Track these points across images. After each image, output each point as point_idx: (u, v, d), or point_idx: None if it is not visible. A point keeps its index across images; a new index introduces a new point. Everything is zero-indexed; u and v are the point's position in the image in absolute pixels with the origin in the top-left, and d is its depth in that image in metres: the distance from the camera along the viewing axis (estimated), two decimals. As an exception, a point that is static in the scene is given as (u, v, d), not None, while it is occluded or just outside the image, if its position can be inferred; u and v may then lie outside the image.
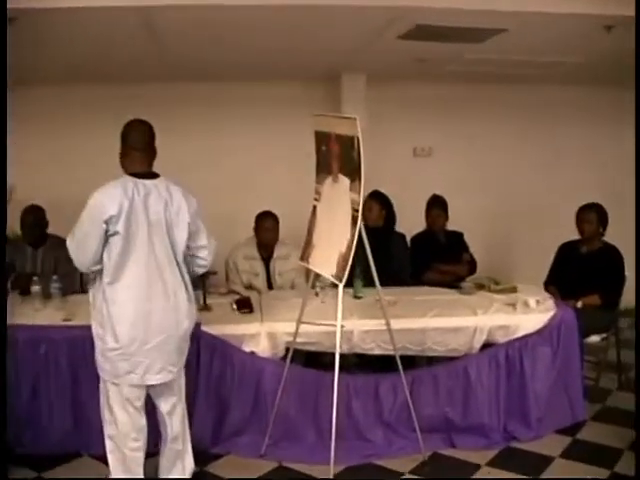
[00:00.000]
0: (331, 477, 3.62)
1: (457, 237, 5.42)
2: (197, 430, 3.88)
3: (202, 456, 3.86)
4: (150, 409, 3.54)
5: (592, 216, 4.84)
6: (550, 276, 5.11)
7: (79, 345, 3.93)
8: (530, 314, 4.32)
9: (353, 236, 3.43)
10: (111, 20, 3.86)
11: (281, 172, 5.99)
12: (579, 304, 4.58)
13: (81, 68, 5.17)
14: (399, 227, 5.25)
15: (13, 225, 5.01)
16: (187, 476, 3.62)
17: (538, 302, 4.39)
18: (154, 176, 3.37)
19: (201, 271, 3.61)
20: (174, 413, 3.55)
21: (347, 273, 3.45)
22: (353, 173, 3.43)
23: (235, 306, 4.37)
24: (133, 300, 3.26)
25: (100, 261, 3.26)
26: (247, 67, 5.32)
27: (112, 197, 3.19)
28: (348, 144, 3.43)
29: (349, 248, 3.45)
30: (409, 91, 5.70)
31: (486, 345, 4.28)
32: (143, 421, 3.45)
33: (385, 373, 4.25)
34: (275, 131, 5.95)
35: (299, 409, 4.18)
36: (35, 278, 4.43)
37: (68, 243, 3.32)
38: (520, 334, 4.25)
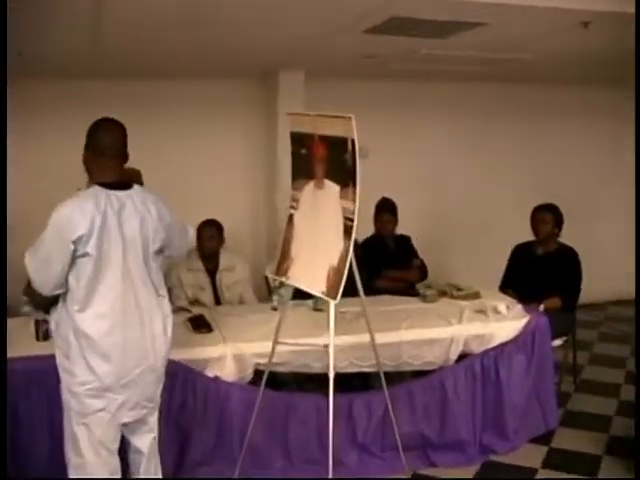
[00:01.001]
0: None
1: (405, 241, 5.20)
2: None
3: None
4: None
5: (548, 217, 4.75)
6: (505, 279, 4.99)
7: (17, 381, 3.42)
8: (504, 322, 4.15)
9: (348, 248, 3.12)
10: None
11: (220, 176, 5.54)
12: (541, 308, 4.45)
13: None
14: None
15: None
16: None
17: (508, 308, 4.24)
18: (127, 186, 2.91)
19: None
20: (152, 452, 3.12)
21: (342, 289, 3.13)
22: (345, 178, 3.12)
23: (190, 326, 3.93)
24: (106, 330, 2.80)
25: (65, 284, 2.80)
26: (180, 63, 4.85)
27: (82, 212, 2.71)
28: (338, 146, 3.11)
29: (343, 261, 3.13)
30: (348, 89, 5.41)
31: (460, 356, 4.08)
32: (117, 462, 2.99)
33: (358, 392, 3.97)
34: (209, 132, 5.50)
35: (267, 434, 3.82)
36: None
37: (27, 261, 2.82)
38: (495, 343, 4.08)
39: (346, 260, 3.11)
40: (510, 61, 4.84)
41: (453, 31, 3.89)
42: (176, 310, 4.26)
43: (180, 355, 3.62)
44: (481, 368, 4.04)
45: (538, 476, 3.85)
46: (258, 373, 3.73)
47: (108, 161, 2.86)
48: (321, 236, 3.26)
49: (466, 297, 4.46)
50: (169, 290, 4.49)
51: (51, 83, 5.03)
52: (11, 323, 3.88)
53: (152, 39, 4.04)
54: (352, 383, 4.05)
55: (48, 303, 2.99)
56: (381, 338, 3.84)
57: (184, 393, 3.66)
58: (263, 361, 3.71)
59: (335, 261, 3.17)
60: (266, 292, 5.01)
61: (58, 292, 2.82)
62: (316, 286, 3.26)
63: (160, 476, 3.19)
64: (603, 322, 6.53)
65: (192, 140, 5.50)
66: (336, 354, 3.80)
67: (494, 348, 4.07)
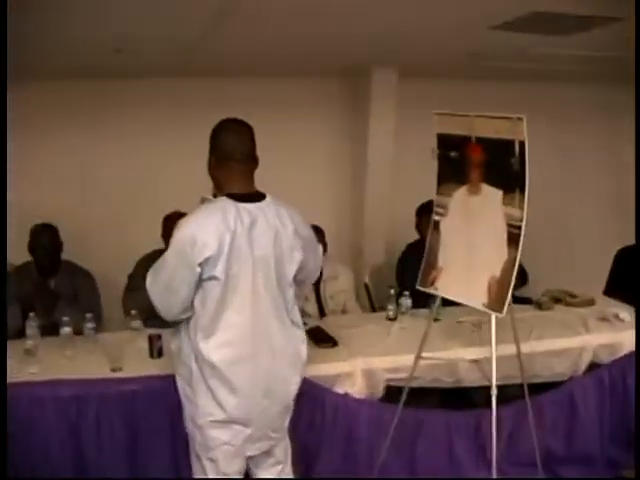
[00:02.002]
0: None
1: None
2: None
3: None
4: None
5: None
6: (611, 284, 4.81)
7: (134, 403, 3.26)
8: (630, 329, 3.96)
9: (514, 258, 2.92)
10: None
11: (300, 178, 5.29)
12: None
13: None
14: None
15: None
16: None
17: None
18: (260, 197, 2.63)
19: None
20: None
21: (509, 301, 2.94)
22: (510, 183, 2.93)
23: (311, 339, 3.72)
24: (232, 359, 2.56)
25: (191, 307, 2.56)
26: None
27: (210, 231, 2.45)
28: (501, 149, 2.92)
29: (508, 272, 2.95)
30: (439, 89, 5.19)
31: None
32: None
33: (485, 408, 3.77)
34: (287, 133, 5.24)
35: (394, 452, 3.62)
36: (66, 319, 3.58)
37: (148, 286, 2.60)
38: (623, 352, 3.90)
39: (512, 270, 2.92)
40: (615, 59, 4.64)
41: (586, 27, 3.69)
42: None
43: (307, 372, 3.42)
44: (609, 379, 3.86)
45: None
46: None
47: (237, 168, 2.60)
48: (478, 245, 3.07)
49: (582, 304, 4.28)
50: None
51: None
52: (118, 337, 3.69)
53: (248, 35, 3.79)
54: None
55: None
56: (510, 349, 3.68)
57: (312, 411, 3.46)
58: (394, 376, 3.54)
59: (497, 271, 2.98)
60: (365, 300, 4.81)
61: (184, 317, 2.59)
62: (474, 298, 3.07)
63: None
64: None
65: (269, 141, 5.24)
66: (467, 367, 3.67)
67: (622, 357, 3.89)
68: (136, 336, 3.70)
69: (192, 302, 2.54)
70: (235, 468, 2.71)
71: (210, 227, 2.45)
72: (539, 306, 4.28)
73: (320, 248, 2.99)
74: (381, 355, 3.59)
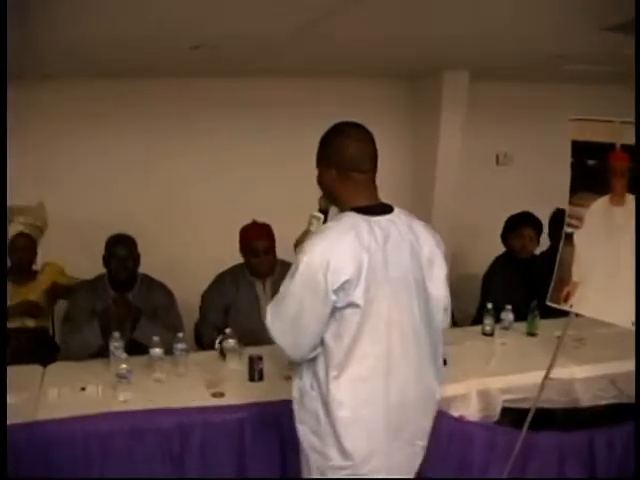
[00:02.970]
0: None
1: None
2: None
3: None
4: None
5: None
6: None
7: (242, 432, 3.01)
8: None
9: (669, 274, 2.73)
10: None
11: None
12: None
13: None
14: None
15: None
16: None
17: None
18: (389, 209, 2.29)
19: None
20: None
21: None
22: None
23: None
24: (366, 398, 2.23)
25: (320, 343, 2.22)
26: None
27: (344, 251, 2.11)
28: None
29: (662, 287, 2.74)
30: (508, 92, 5.02)
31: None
32: None
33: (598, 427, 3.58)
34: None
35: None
36: (157, 339, 3.32)
37: (269, 324, 2.22)
38: None
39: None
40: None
41: None
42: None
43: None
44: None
45: None
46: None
47: (362, 178, 2.26)
48: (625, 259, 2.86)
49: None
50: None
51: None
52: (209, 357, 3.46)
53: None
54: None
55: None
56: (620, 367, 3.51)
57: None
58: (510, 397, 3.34)
59: (653, 289, 2.78)
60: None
61: (312, 356, 2.24)
62: (620, 315, 2.86)
63: None
64: None
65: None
66: (583, 386, 3.49)
67: None
68: (230, 357, 3.44)
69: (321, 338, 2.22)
70: None
71: (344, 247, 2.12)
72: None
73: None
74: (495, 375, 3.39)
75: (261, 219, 3.95)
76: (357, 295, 2.12)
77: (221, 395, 3.14)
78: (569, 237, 3.08)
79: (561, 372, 3.39)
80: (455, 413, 3.28)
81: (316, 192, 4.69)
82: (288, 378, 3.26)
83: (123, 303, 3.58)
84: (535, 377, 3.32)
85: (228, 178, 4.77)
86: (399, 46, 3.99)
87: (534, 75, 4.89)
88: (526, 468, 3.45)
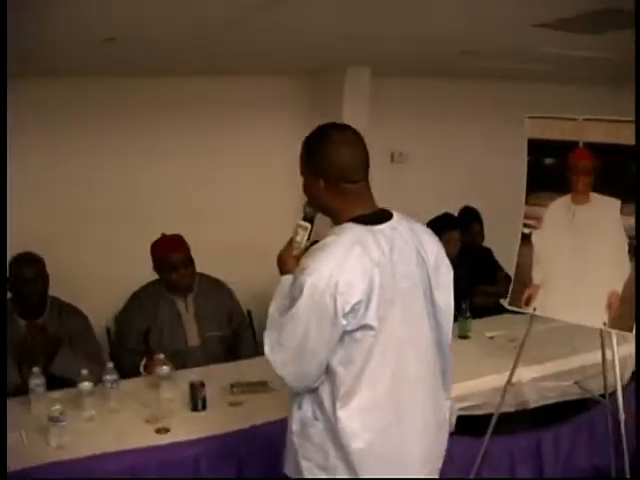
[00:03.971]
0: None
1: (488, 253, 4.85)
2: None
3: None
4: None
5: None
6: None
7: (196, 467, 2.70)
8: None
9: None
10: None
11: (257, 187, 4.77)
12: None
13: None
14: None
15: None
16: None
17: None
18: (388, 216, 2.05)
19: None
20: None
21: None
22: (630, 192, 2.71)
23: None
24: (381, 427, 1.98)
25: (325, 372, 1.98)
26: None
27: (353, 268, 1.88)
28: (621, 155, 2.70)
29: (634, 285, 2.72)
30: (406, 88, 4.91)
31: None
32: None
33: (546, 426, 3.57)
34: (243, 135, 4.70)
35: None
36: (85, 371, 2.92)
37: (268, 352, 1.98)
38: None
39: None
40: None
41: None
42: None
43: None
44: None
45: None
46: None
47: (356, 187, 2.01)
48: (592, 259, 2.82)
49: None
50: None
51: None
52: (137, 387, 3.12)
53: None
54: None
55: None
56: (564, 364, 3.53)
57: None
58: (461, 405, 3.24)
59: (618, 287, 2.75)
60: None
61: (317, 385, 2.00)
62: (591, 317, 2.82)
63: None
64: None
65: (221, 145, 4.69)
66: (527, 388, 3.46)
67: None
68: (165, 385, 3.10)
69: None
70: None
71: (352, 264, 1.87)
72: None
73: None
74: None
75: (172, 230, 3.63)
76: (370, 316, 1.89)
77: (166, 431, 2.79)
78: (527, 238, 3.00)
79: (524, 374, 3.37)
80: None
81: (217, 196, 4.45)
82: (232, 404, 3.04)
83: (38, 332, 3.13)
84: (481, 383, 3.30)
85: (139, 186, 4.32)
86: (298, 42, 3.76)
87: (440, 72, 4.84)
88: (481, 474, 3.37)
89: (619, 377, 2.86)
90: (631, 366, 3.45)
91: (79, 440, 2.67)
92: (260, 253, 4.51)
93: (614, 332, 2.78)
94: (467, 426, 3.39)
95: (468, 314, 3.85)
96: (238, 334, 3.83)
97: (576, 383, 3.31)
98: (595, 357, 3.49)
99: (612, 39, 3.62)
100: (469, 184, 5.20)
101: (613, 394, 3.07)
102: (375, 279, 1.89)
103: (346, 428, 1.94)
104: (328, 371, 1.96)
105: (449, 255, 2.24)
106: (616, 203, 2.75)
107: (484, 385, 3.30)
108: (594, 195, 2.80)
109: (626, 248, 2.73)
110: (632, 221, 2.70)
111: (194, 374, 3.11)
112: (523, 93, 4.98)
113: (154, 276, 3.66)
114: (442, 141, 5.38)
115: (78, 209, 4.11)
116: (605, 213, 2.77)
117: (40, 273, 3.28)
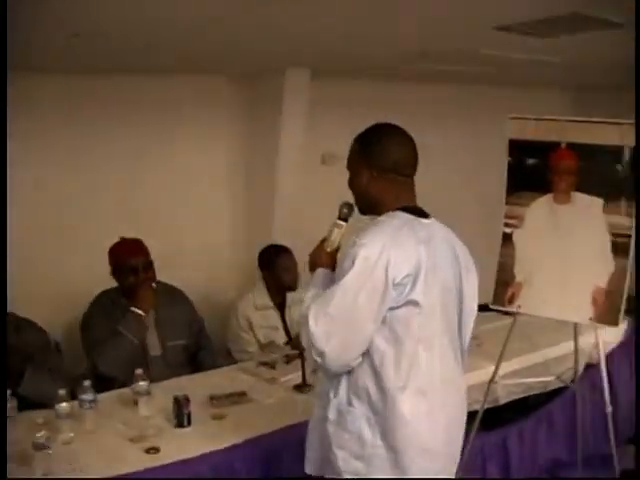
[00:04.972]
0: None
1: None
2: None
3: None
4: None
5: None
6: None
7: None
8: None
9: (624, 267, 2.82)
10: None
11: (197, 190, 4.61)
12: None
13: None
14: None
15: None
16: None
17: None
18: (426, 214, 2.14)
19: None
20: None
21: (622, 312, 2.83)
22: (614, 191, 2.81)
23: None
24: (426, 412, 1.99)
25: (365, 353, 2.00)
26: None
27: (405, 245, 1.95)
28: (603, 155, 2.80)
29: (617, 281, 2.83)
30: (351, 90, 4.86)
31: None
32: None
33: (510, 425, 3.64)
34: (181, 138, 4.52)
35: None
36: (63, 392, 2.70)
37: (312, 324, 1.92)
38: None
39: (623, 280, 2.81)
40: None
41: (585, 29, 3.64)
42: (258, 365, 3.49)
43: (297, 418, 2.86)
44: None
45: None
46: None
47: (405, 181, 2.13)
48: (575, 256, 2.90)
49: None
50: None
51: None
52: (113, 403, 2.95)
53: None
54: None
55: None
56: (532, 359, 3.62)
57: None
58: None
59: (603, 282, 2.85)
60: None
61: (355, 364, 1.98)
62: (577, 312, 2.90)
63: None
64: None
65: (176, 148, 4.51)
66: (498, 385, 3.51)
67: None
68: (143, 401, 2.92)
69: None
70: None
71: (403, 240, 1.95)
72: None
73: None
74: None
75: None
76: (417, 291, 1.93)
77: (156, 451, 2.63)
78: (508, 237, 3.04)
79: (480, 374, 3.38)
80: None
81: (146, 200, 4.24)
82: (215, 418, 2.92)
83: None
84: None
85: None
86: (235, 41, 3.66)
87: (378, 75, 4.84)
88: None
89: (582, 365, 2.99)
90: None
91: (64, 467, 2.46)
92: (200, 255, 4.48)
93: (599, 327, 2.86)
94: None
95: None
96: (198, 342, 3.68)
97: (558, 378, 3.36)
98: (554, 351, 3.65)
99: (563, 43, 3.75)
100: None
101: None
102: (422, 257, 1.95)
103: (400, 412, 1.94)
104: (370, 351, 1.96)
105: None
106: (599, 202, 2.84)
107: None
108: (576, 194, 2.88)
109: (609, 245, 2.82)
110: (619, 219, 2.80)
111: (162, 388, 3.02)
112: (465, 95, 5.08)
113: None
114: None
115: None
116: (588, 212, 2.86)
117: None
